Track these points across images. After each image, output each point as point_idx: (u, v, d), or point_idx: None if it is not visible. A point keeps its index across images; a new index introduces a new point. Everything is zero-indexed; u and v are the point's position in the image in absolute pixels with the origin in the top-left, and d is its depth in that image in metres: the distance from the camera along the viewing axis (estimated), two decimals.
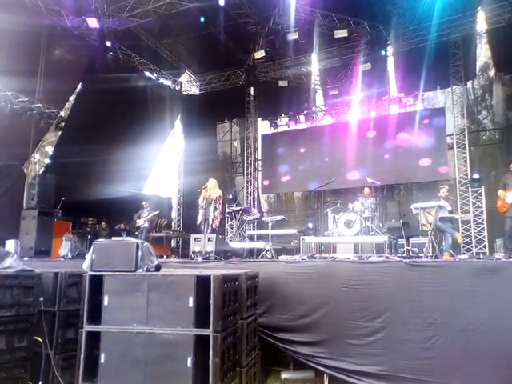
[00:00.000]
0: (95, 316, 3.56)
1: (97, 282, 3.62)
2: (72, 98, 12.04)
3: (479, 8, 10.79)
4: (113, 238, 4.42)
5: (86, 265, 3.81)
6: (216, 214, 8.09)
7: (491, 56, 11.55)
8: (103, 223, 11.90)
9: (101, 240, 4.07)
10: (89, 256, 3.81)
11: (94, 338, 3.50)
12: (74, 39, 11.23)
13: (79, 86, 11.81)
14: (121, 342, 3.47)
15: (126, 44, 12.76)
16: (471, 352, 3.91)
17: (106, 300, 3.56)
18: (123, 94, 12.09)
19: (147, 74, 14.16)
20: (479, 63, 11.92)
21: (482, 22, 11.16)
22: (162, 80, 14.93)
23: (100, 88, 11.12)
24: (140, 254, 3.75)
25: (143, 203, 10.75)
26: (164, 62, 14.14)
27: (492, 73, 11.92)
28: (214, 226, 7.95)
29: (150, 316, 3.49)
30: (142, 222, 10.39)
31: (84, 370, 3.48)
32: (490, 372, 3.79)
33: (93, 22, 10.40)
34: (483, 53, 11.91)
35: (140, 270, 3.70)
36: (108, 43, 11.57)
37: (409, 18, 11.18)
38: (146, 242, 3.94)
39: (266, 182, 14.36)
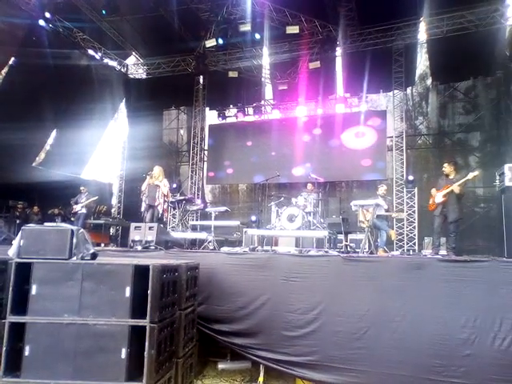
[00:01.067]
0: (21, 306, 3.33)
1: (24, 270, 3.38)
2: (4, 71, 11.07)
3: (421, 19, 11.41)
4: (45, 224, 4.16)
5: (12, 251, 3.55)
6: (166, 206, 7.98)
7: (429, 65, 12.29)
8: (35, 207, 11.16)
9: (31, 225, 3.80)
10: (16, 242, 3.55)
11: (19, 330, 3.28)
12: (9, 7, 10.28)
13: (13, 59, 10.87)
14: (49, 333, 3.28)
15: (68, 17, 11.88)
16: (397, 341, 4.15)
17: (33, 289, 3.35)
18: (63, 72, 11.32)
19: (90, 52, 13.35)
20: (418, 71, 12.62)
21: (423, 33, 11.83)
22: (106, 60, 14.17)
23: (36, 63, 10.33)
24: (75, 241, 3.55)
25: (81, 188, 10.24)
26: (109, 41, 13.38)
27: (429, 82, 12.67)
28: (164, 219, 7.85)
29: (83, 306, 3.34)
30: (80, 207, 9.90)
31: (6, 363, 3.25)
32: (413, 359, 4.05)
33: None
34: (423, 62, 12.63)
35: (74, 258, 3.51)
36: (47, 14, 10.76)
37: (357, 21, 11.57)
38: (82, 229, 3.74)
39: (212, 173, 14.24)
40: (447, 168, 6.96)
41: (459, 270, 4.15)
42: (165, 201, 7.96)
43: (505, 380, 3.73)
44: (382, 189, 8.18)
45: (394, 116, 12.19)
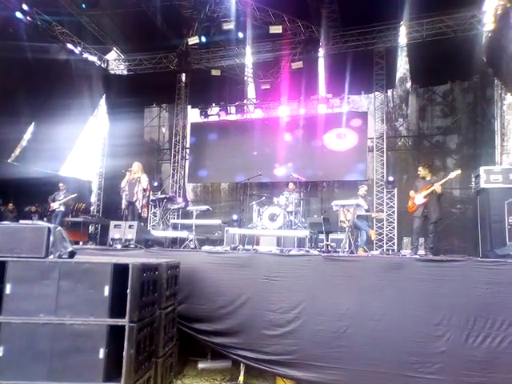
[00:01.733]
0: None
1: None
2: None
3: (402, 22, 11.61)
4: (21, 221, 4.04)
5: None
6: (144, 202, 7.90)
7: (409, 69, 12.52)
8: (10, 205, 10.84)
9: (5, 223, 3.69)
10: None
11: None
12: None
13: None
14: (24, 333, 3.19)
15: (46, 10, 11.55)
16: (376, 340, 4.22)
17: (8, 288, 3.25)
18: (40, 66, 11.01)
19: (69, 46, 13.05)
20: (399, 74, 12.83)
21: (403, 36, 12.04)
22: (86, 55, 13.88)
23: (13, 56, 9.99)
24: (52, 239, 3.47)
25: (60, 185, 10.01)
26: (89, 35, 13.08)
27: (409, 84, 12.91)
28: (142, 214, 7.78)
29: (60, 306, 3.26)
30: (58, 205, 9.69)
31: None
32: (391, 356, 4.13)
33: None
34: (403, 65, 12.84)
35: (51, 257, 3.43)
36: (25, 7, 10.45)
37: (340, 22, 11.68)
38: (59, 227, 3.66)
39: (193, 171, 14.15)
40: (422, 171, 7.13)
41: (436, 269, 4.25)
42: (144, 196, 7.89)
43: (477, 375, 3.85)
44: (362, 189, 8.29)
45: (375, 117, 12.37)
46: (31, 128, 12.32)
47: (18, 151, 12.32)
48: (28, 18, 10.99)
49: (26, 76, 10.71)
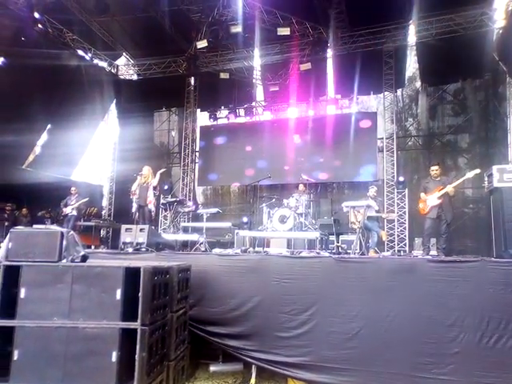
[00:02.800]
0: (9, 310, 3.29)
1: (13, 273, 3.34)
2: None
3: (411, 21, 11.52)
4: (34, 226, 4.11)
5: (0, 254, 3.50)
6: (153, 199, 8.01)
7: (418, 68, 12.41)
8: (24, 209, 11.00)
9: (19, 227, 3.76)
10: (4, 245, 3.51)
11: (7, 334, 3.23)
12: None
13: (1, 59, 10.72)
14: (38, 337, 3.24)
15: (57, 17, 11.69)
16: (388, 341, 4.20)
17: (22, 292, 3.31)
18: (52, 72, 11.16)
19: (80, 52, 13.22)
20: (408, 73, 12.73)
21: (412, 35, 11.95)
22: (96, 61, 14.04)
23: (25, 63, 10.16)
24: (65, 243, 3.52)
25: (72, 190, 10.13)
26: (99, 41, 13.24)
27: (418, 84, 12.79)
28: (152, 213, 7.89)
29: (73, 309, 3.31)
30: (70, 209, 9.79)
31: None
32: (404, 358, 4.11)
33: None
34: (412, 64, 12.74)
35: (64, 261, 3.48)
36: (36, 14, 10.61)
37: (347, 23, 11.64)
38: (72, 231, 3.72)
39: (203, 174, 14.20)
40: (437, 171, 7.01)
41: (449, 270, 4.21)
42: (154, 195, 8.00)
43: (491, 376, 3.80)
44: (372, 190, 8.24)
45: (385, 117, 12.28)
46: (44, 134, 12.50)
47: (31, 157, 12.51)
48: (39, 25, 11.17)
49: (38, 83, 10.87)
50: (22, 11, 10.37)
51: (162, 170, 8.95)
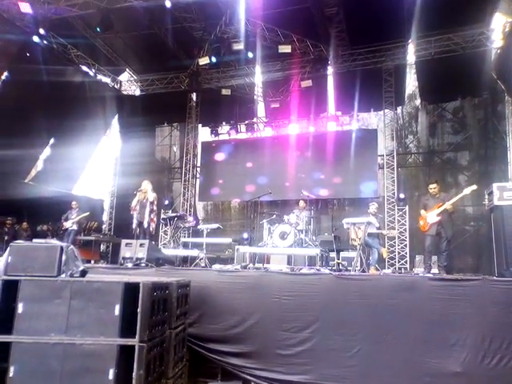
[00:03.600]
0: (7, 325, 3.24)
1: (11, 288, 3.31)
2: None
3: (410, 41, 11.70)
4: (34, 240, 4.09)
5: None
6: (152, 216, 7.96)
7: (418, 86, 12.55)
8: (24, 224, 10.97)
9: (19, 242, 3.75)
10: (3, 259, 3.49)
11: (3, 350, 3.19)
12: (3, 23, 10.31)
13: (6, 74, 10.87)
14: (35, 353, 3.20)
15: (62, 34, 11.94)
16: (390, 360, 4.14)
17: (20, 307, 3.27)
18: (56, 88, 11.30)
19: (84, 68, 13.42)
20: (408, 91, 12.87)
21: (411, 54, 12.12)
22: (100, 77, 14.25)
23: (30, 79, 10.32)
24: (64, 258, 3.51)
25: (72, 204, 10.11)
26: (103, 57, 13.47)
27: (418, 101, 12.93)
28: (150, 229, 7.83)
29: (71, 325, 3.27)
30: (70, 224, 9.77)
31: None
32: (405, 377, 4.06)
33: (25, 7, 9.65)
34: (412, 82, 12.89)
35: (63, 276, 3.46)
36: (41, 31, 10.79)
37: (348, 41, 11.83)
38: (72, 246, 3.70)
39: (204, 190, 14.22)
40: (436, 188, 7.02)
41: (450, 288, 4.18)
42: (151, 210, 7.94)
43: None
44: (372, 207, 8.22)
45: (385, 134, 12.36)
46: (47, 148, 12.58)
47: (33, 171, 12.56)
48: (44, 41, 11.36)
49: (42, 98, 10.99)
50: (27, 27, 10.55)
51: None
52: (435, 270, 7.16)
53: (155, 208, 8.10)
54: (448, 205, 6.59)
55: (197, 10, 11.20)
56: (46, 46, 11.51)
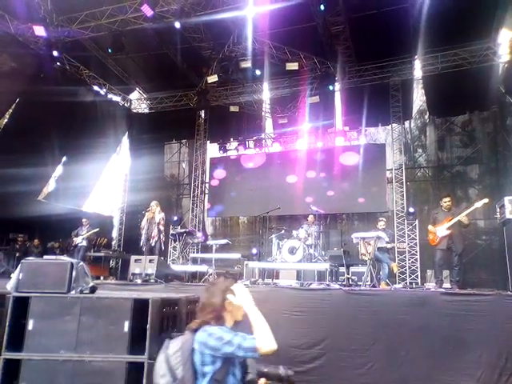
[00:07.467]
0: (17, 342, 3.26)
1: (22, 305, 3.34)
2: (12, 107, 11.34)
3: (416, 56, 11.78)
4: (45, 257, 4.14)
5: (10, 285, 3.51)
6: (161, 236, 8.03)
7: (426, 100, 12.57)
8: (36, 240, 11.10)
9: (30, 258, 3.79)
10: (15, 275, 3.53)
11: (14, 367, 3.19)
12: (18, 46, 10.64)
13: (21, 95, 11.17)
14: (44, 370, 3.19)
15: (74, 55, 12.29)
16: (402, 377, 4.05)
17: (30, 324, 3.28)
18: (68, 108, 11.55)
19: (95, 88, 13.72)
20: (416, 106, 12.88)
21: (418, 69, 12.19)
22: (110, 96, 14.54)
23: (43, 99, 10.54)
24: (74, 274, 3.53)
25: (83, 221, 10.24)
26: (114, 77, 13.80)
27: (426, 116, 12.92)
28: (157, 247, 7.88)
29: (80, 342, 3.26)
30: (80, 240, 9.86)
31: None
32: None
33: (39, 30, 9.95)
34: (419, 97, 12.92)
35: (73, 292, 3.47)
36: (55, 53, 11.10)
37: (354, 58, 11.95)
38: (82, 262, 3.73)
39: (212, 205, 14.26)
40: (450, 202, 6.91)
41: (463, 304, 4.11)
42: (159, 230, 8.02)
43: None
44: (381, 223, 8.16)
45: (394, 149, 12.34)
46: (60, 167, 12.80)
47: (46, 189, 12.75)
48: (58, 63, 11.67)
49: (55, 118, 11.23)
50: (41, 50, 10.86)
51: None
52: (447, 285, 7.03)
53: (162, 228, 8.20)
54: (462, 216, 6.49)
55: (205, 30, 11.45)
56: (59, 67, 11.81)
